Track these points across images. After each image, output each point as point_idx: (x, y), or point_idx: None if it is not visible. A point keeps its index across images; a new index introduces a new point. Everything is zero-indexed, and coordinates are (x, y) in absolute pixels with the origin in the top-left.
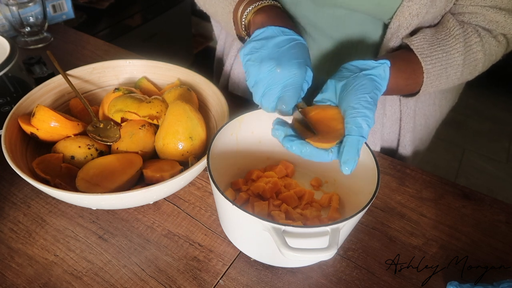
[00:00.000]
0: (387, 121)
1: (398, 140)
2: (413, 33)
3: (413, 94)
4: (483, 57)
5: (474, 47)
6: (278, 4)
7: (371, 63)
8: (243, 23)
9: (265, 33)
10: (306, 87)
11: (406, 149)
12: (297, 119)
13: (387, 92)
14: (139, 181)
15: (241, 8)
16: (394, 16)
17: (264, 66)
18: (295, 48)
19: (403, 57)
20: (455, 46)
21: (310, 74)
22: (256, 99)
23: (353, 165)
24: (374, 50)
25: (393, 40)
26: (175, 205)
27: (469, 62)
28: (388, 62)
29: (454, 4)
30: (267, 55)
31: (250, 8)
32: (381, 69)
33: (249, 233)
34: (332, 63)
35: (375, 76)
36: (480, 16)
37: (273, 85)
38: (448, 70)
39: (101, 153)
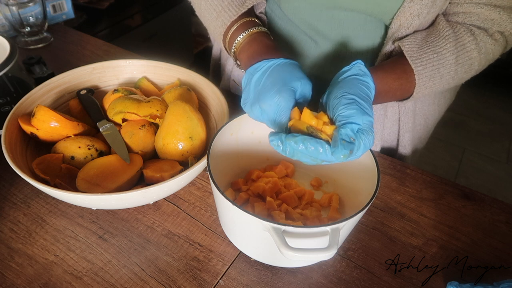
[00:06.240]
0: (387, 121)
1: (398, 140)
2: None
3: (408, 97)
4: (478, 55)
5: (468, 45)
6: (264, 30)
7: (343, 69)
8: (232, 51)
9: (244, 78)
10: (307, 94)
11: (406, 149)
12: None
13: (380, 95)
14: (139, 181)
15: (229, 35)
16: (395, 16)
17: (254, 113)
18: (271, 76)
19: (392, 61)
20: (445, 46)
21: (306, 86)
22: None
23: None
24: (375, 51)
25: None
26: (175, 205)
27: (463, 61)
28: (360, 61)
29: (449, 3)
30: (252, 101)
31: (238, 40)
32: (356, 68)
33: (249, 233)
34: (334, 66)
35: (354, 75)
36: (474, 15)
37: (273, 121)
38: (441, 70)
39: (101, 153)
